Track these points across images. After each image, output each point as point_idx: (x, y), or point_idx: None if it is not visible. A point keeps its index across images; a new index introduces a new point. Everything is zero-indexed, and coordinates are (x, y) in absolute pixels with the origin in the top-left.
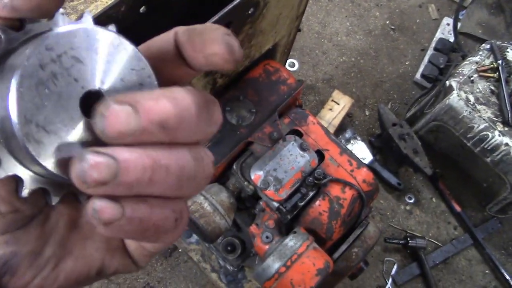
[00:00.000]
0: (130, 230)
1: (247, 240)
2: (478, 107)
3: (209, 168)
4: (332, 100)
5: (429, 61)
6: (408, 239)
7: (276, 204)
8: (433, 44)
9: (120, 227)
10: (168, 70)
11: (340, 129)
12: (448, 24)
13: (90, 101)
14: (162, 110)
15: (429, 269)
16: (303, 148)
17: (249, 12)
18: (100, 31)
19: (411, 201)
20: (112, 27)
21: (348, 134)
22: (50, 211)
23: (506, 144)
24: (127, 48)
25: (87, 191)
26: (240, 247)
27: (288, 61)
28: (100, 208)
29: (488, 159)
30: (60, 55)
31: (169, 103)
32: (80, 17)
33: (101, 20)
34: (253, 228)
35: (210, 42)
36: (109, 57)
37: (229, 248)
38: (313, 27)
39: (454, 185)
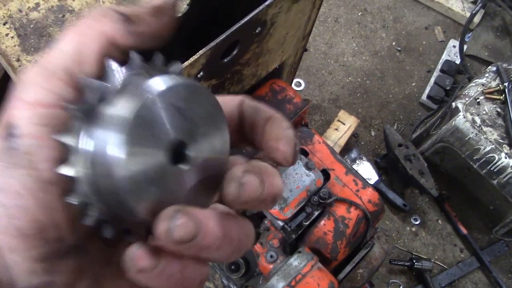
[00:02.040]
0: (158, 283)
1: (251, 259)
2: (485, 129)
3: (251, 241)
4: (338, 120)
5: (435, 83)
6: (414, 261)
7: (281, 223)
8: (439, 66)
9: (149, 278)
10: None
11: (346, 149)
12: (454, 46)
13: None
14: (278, 186)
15: None
16: (308, 167)
17: (257, 31)
18: (202, 89)
19: (417, 222)
20: (159, 57)
21: (353, 154)
22: (88, 244)
23: None
24: (218, 112)
25: (168, 246)
26: (244, 266)
27: (295, 80)
28: (137, 256)
29: (495, 181)
30: (163, 107)
31: (281, 180)
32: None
33: None
34: (257, 247)
35: (277, 138)
36: (204, 114)
37: (233, 267)
38: (320, 48)
39: (460, 207)
